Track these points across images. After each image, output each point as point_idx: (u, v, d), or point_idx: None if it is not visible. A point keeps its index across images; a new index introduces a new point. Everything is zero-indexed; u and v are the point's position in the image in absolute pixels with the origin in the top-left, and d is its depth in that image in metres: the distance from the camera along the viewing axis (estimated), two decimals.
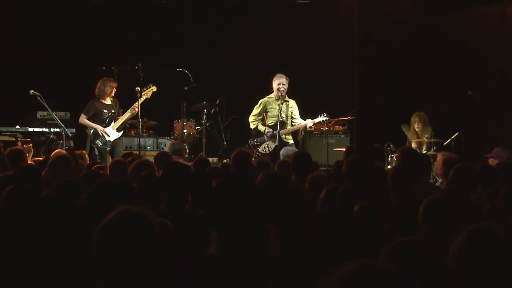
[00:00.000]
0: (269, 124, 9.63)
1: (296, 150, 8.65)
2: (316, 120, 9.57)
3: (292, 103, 9.64)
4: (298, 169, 5.74)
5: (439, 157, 7.14)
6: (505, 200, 3.95)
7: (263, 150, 9.61)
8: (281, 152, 7.79)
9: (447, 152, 7.63)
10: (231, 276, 2.53)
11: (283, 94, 9.50)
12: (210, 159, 8.83)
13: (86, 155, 7.67)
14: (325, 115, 9.54)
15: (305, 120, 9.64)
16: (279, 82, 9.51)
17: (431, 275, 2.23)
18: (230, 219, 2.62)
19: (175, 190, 4.28)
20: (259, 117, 9.74)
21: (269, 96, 9.70)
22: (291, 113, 9.62)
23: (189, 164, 6.35)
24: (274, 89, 9.59)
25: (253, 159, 7.06)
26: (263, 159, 7.35)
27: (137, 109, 9.42)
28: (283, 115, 9.44)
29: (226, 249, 2.58)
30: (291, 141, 9.62)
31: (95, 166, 6.28)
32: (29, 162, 6.84)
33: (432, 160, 8.73)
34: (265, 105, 9.69)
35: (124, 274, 2.18)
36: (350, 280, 1.63)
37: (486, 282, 2.18)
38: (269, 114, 9.69)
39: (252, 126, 9.76)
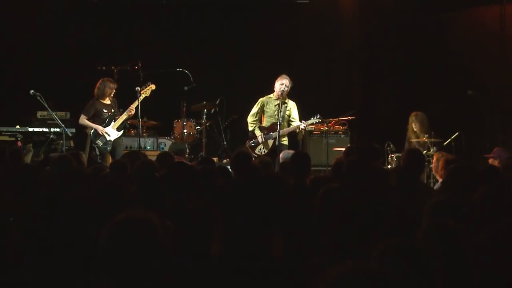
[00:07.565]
0: (265, 126, 9.60)
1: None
2: (309, 122, 9.52)
3: (291, 104, 9.55)
4: (297, 169, 5.74)
5: (435, 157, 7.13)
6: (481, 201, 3.94)
7: (258, 151, 9.60)
8: (281, 155, 7.75)
9: (443, 152, 7.60)
10: (233, 276, 2.53)
11: (283, 95, 9.45)
12: None
13: (84, 156, 7.65)
14: (317, 117, 9.51)
15: (300, 122, 9.57)
16: (282, 83, 9.43)
17: (421, 275, 2.24)
18: (233, 220, 2.62)
19: (179, 190, 4.27)
20: (256, 118, 9.70)
21: (268, 96, 9.65)
22: (288, 115, 9.54)
23: (191, 164, 6.35)
24: (275, 89, 9.53)
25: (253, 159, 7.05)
26: (264, 158, 7.33)
27: (133, 112, 9.42)
28: (279, 117, 9.35)
29: (229, 249, 2.58)
30: (286, 143, 9.54)
31: (94, 167, 6.27)
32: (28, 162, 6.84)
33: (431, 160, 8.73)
34: (263, 104, 9.65)
35: (129, 277, 2.20)
36: (343, 280, 1.64)
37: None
38: (265, 114, 9.66)
39: (250, 128, 9.72)
